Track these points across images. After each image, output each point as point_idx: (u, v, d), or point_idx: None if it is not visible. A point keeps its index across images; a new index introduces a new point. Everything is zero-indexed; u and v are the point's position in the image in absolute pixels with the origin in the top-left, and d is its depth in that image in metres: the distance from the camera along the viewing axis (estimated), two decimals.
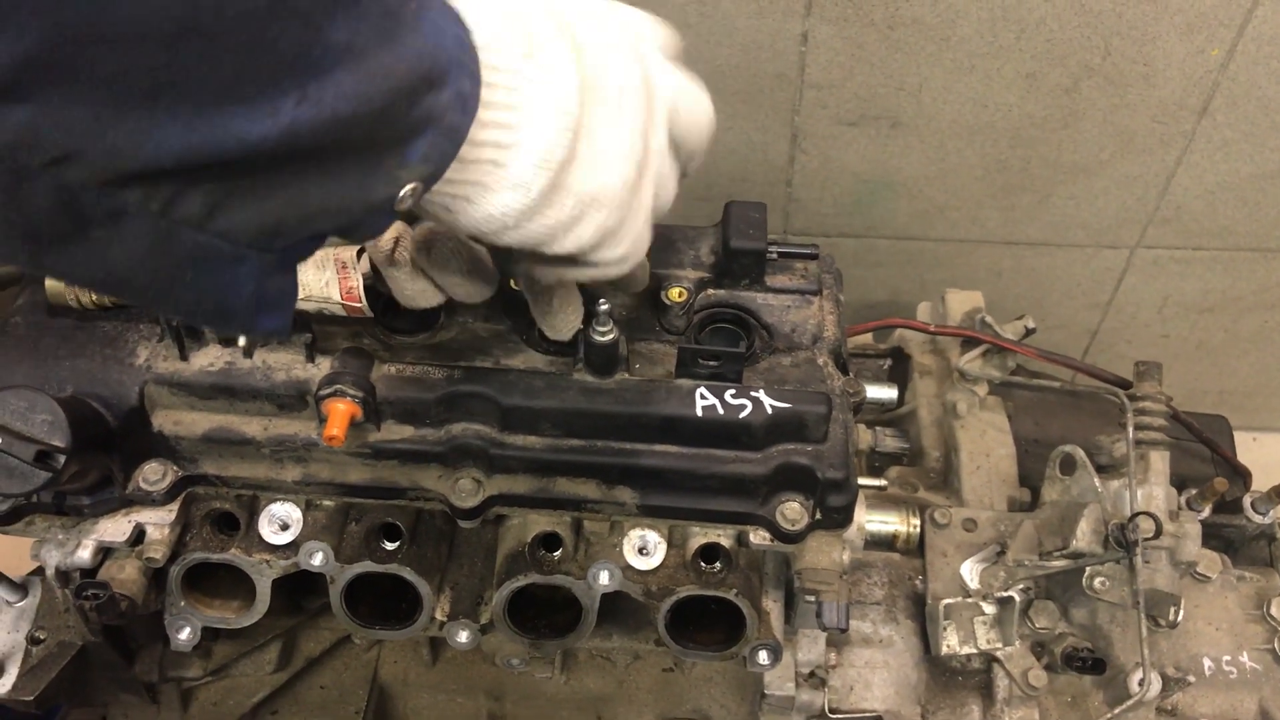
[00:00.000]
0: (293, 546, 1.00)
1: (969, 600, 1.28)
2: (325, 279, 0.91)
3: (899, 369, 1.61)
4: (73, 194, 0.53)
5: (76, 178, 0.52)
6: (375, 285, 0.91)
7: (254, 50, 0.52)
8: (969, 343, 1.50)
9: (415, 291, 0.88)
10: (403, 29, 0.58)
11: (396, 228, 0.84)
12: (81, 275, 0.59)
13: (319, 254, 0.87)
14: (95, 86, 0.49)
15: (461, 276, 0.87)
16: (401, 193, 0.63)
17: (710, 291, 1.07)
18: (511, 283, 0.95)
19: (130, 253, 0.57)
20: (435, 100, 0.60)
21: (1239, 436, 1.62)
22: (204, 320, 0.70)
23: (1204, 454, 1.56)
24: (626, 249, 0.76)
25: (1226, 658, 1.35)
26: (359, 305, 0.92)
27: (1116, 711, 1.25)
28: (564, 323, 0.92)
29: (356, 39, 0.55)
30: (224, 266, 0.60)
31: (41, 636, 1.10)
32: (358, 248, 0.90)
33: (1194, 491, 1.40)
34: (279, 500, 1.01)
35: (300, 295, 0.85)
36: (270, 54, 0.52)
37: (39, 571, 1.12)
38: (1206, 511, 1.39)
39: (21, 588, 1.12)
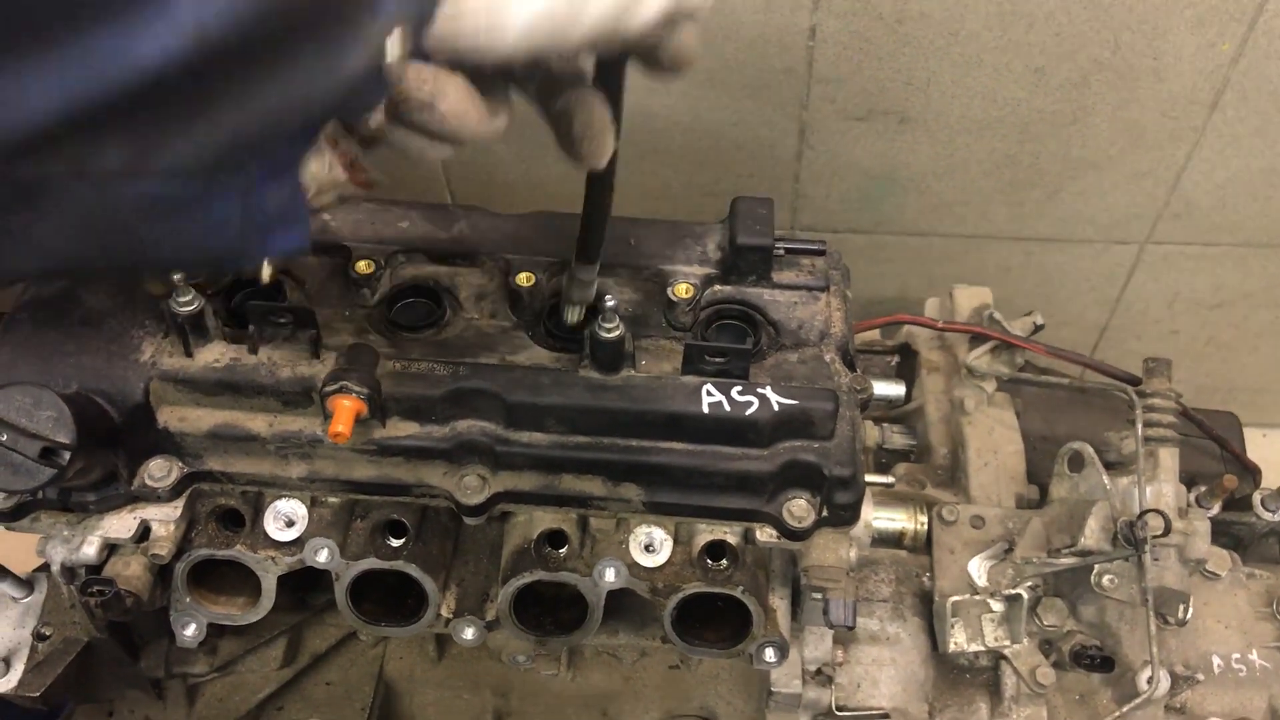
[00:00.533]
0: (298, 543, 1.00)
1: (977, 598, 1.27)
2: (327, 162, 0.71)
3: (906, 365, 1.61)
4: None
5: None
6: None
7: None
8: (977, 339, 1.49)
9: (423, 145, 0.71)
10: None
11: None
12: (29, 264, 0.52)
13: None
14: None
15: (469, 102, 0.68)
16: (388, 45, 0.53)
17: (717, 288, 1.07)
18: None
19: (63, 230, 0.49)
20: None
21: (1249, 433, 1.61)
22: (197, 269, 0.60)
23: (1213, 451, 1.55)
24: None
25: (1236, 655, 1.34)
26: (367, 177, 0.75)
27: (1125, 709, 1.25)
28: (601, 143, 0.75)
29: None
30: (186, 207, 0.52)
31: (47, 633, 1.10)
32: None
33: (1203, 488, 1.39)
34: (284, 497, 1.01)
35: (311, 193, 0.69)
36: None
37: (45, 567, 1.12)
38: (1216, 509, 1.38)
39: (27, 584, 1.12)
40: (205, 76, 0.46)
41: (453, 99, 0.64)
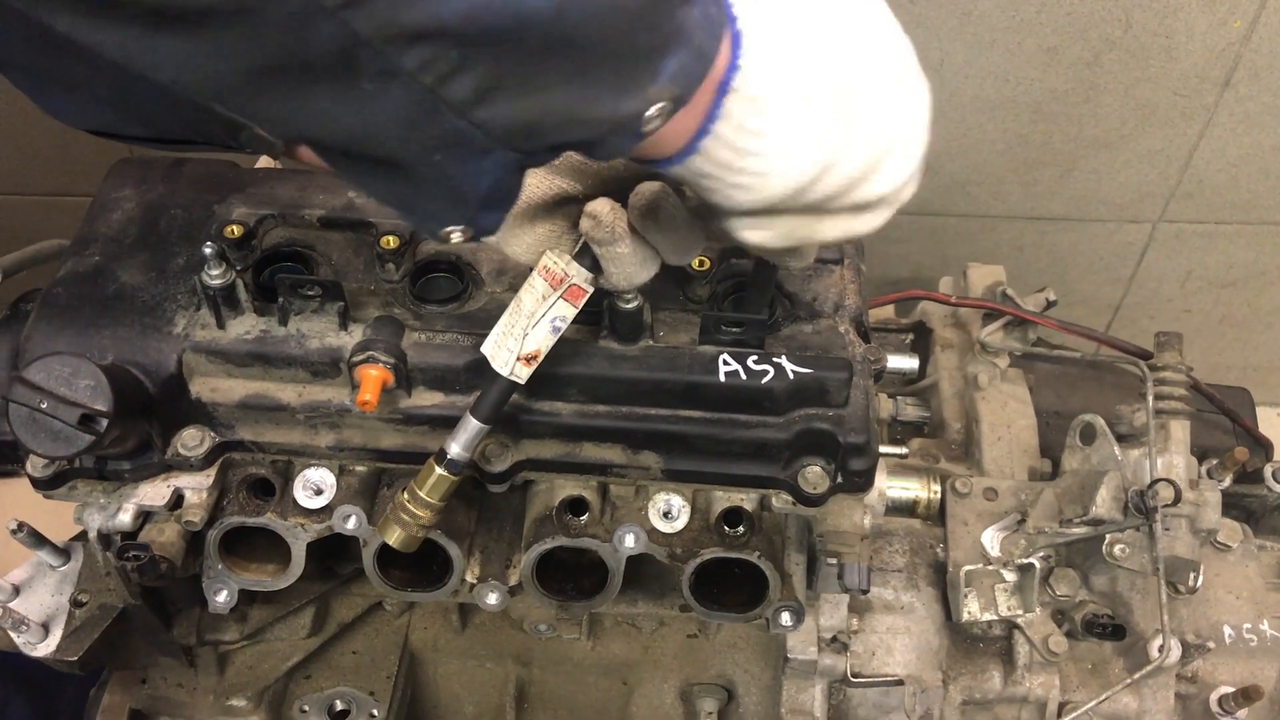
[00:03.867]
0: (327, 510, 1.03)
1: (990, 568, 1.29)
2: (551, 299, 0.86)
3: (921, 343, 1.63)
4: (354, 44, 0.53)
5: (363, 27, 0.53)
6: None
7: None
8: (990, 315, 1.51)
9: (638, 263, 0.84)
10: None
11: (607, 202, 0.81)
12: (335, 121, 0.59)
13: (539, 284, 0.85)
14: None
15: (686, 233, 0.83)
16: (650, 111, 0.62)
17: (733, 260, 1.09)
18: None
19: (391, 115, 0.58)
20: (687, 14, 0.61)
21: (1262, 412, 1.62)
22: (428, 202, 0.68)
23: (1225, 425, 1.56)
24: (902, 175, 0.75)
25: (1247, 625, 1.36)
26: (585, 295, 0.87)
27: (1136, 677, 1.26)
28: (809, 251, 0.88)
29: None
30: (472, 156, 0.61)
31: (84, 599, 1.13)
32: (566, 260, 0.85)
33: (1215, 461, 1.41)
34: (313, 465, 1.04)
35: (529, 322, 0.86)
36: None
37: (81, 537, 1.15)
38: (1227, 481, 1.40)
39: (65, 552, 1.15)
40: (548, 49, 0.56)
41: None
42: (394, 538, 0.94)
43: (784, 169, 0.69)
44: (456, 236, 0.71)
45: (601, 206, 0.81)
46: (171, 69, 0.56)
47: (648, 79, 0.62)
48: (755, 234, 0.78)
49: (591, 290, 0.86)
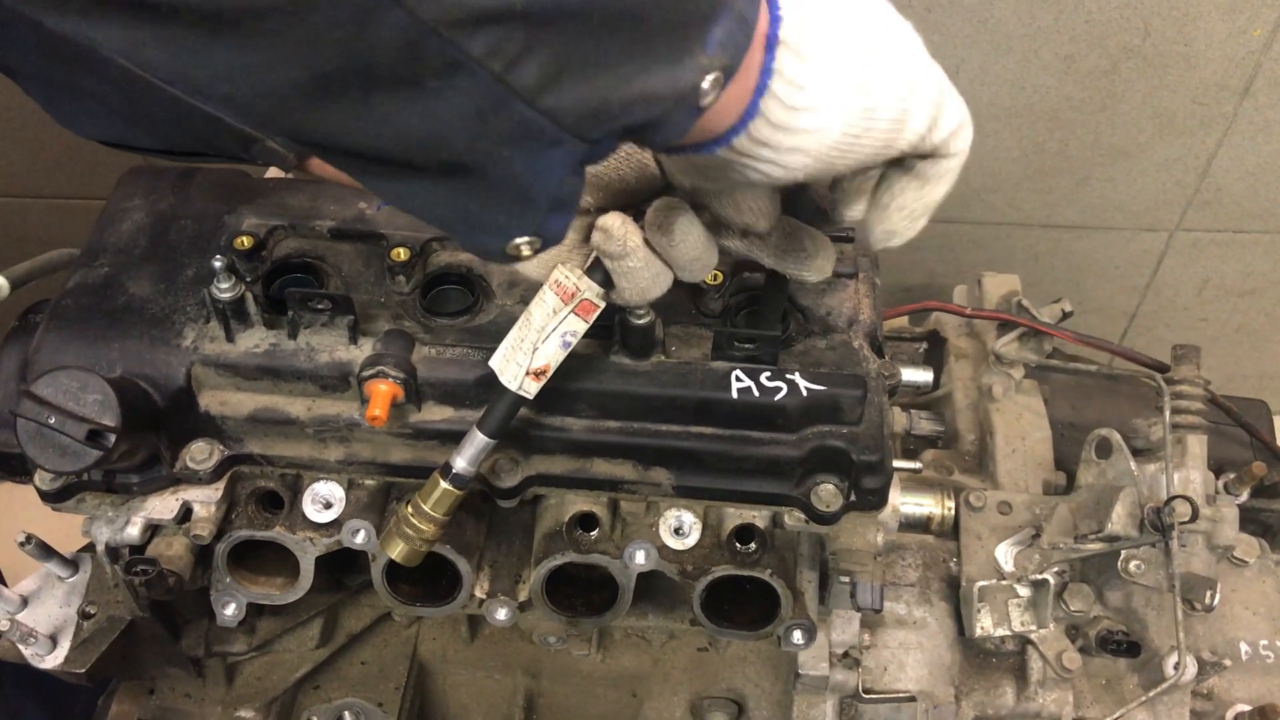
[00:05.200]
0: (335, 525, 1.02)
1: (1003, 583, 1.28)
2: (562, 314, 0.86)
3: (935, 352, 1.61)
4: (420, 35, 0.52)
5: (430, 13, 0.52)
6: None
7: None
8: (1005, 326, 1.49)
9: (651, 278, 0.84)
10: None
11: (618, 216, 0.81)
12: (400, 128, 0.58)
13: (550, 298, 0.85)
14: None
15: (700, 249, 0.83)
16: (704, 83, 0.62)
17: (746, 274, 1.08)
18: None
19: (459, 111, 0.57)
20: None
21: (1279, 423, 1.61)
22: (495, 209, 0.66)
23: (1242, 438, 1.55)
24: (960, 108, 0.76)
25: (1264, 642, 1.34)
26: (596, 310, 0.87)
27: (1151, 695, 1.25)
28: (826, 262, 0.89)
29: None
30: (542, 149, 0.60)
31: (92, 611, 1.12)
32: (577, 274, 0.84)
33: (1232, 475, 1.39)
34: (322, 479, 1.03)
35: (540, 334, 0.85)
36: None
37: (90, 548, 1.14)
38: (1244, 496, 1.39)
39: (73, 563, 1.15)
40: (609, 26, 0.56)
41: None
42: (397, 552, 0.94)
43: (832, 120, 0.69)
44: (525, 250, 0.69)
45: (613, 220, 0.80)
46: (226, 83, 0.54)
47: (699, 48, 0.61)
48: (876, 231, 0.80)
49: (603, 305, 0.85)
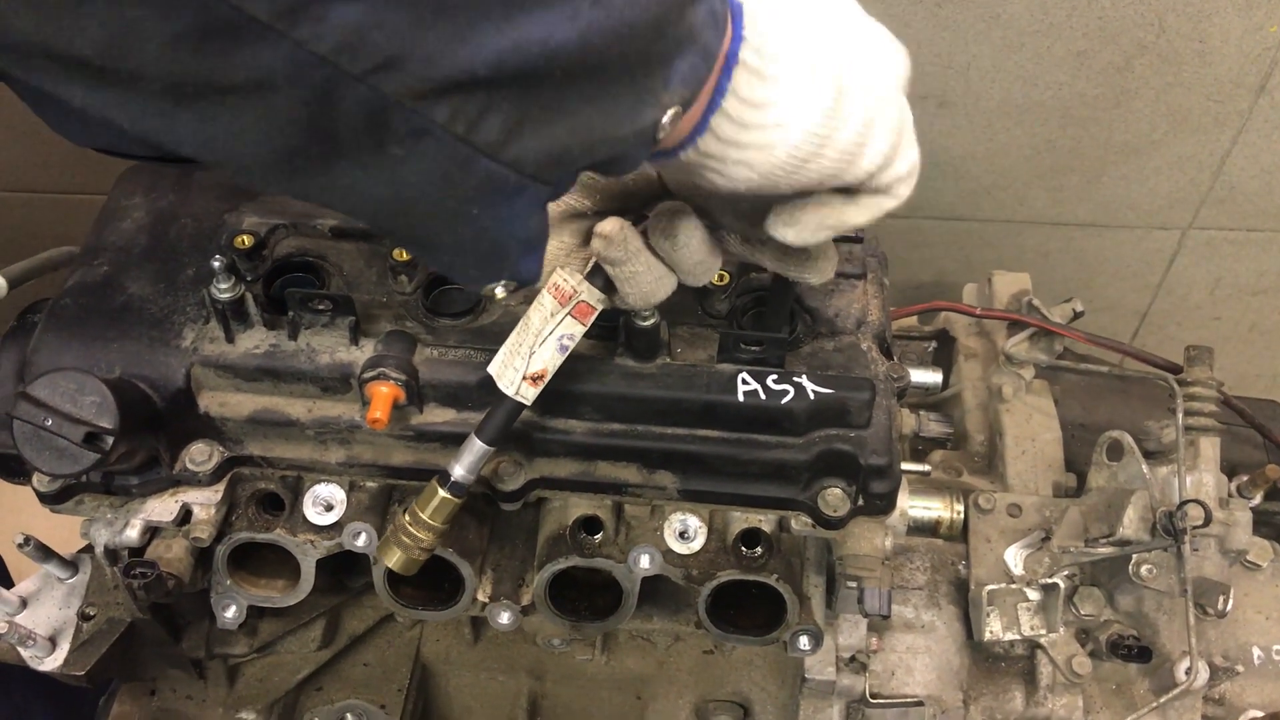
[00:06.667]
0: (336, 527, 1.01)
1: (1013, 586, 1.27)
2: (559, 316, 0.84)
3: (944, 352, 1.60)
4: (384, 107, 0.52)
5: (393, 88, 0.52)
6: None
7: None
8: (1015, 326, 1.48)
9: (654, 282, 0.83)
10: None
11: (616, 221, 0.80)
12: (365, 194, 0.59)
13: (548, 301, 0.83)
14: None
15: (703, 253, 0.82)
16: (664, 118, 0.62)
17: (753, 275, 1.06)
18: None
19: (424, 175, 0.57)
20: (694, 14, 0.60)
21: None
22: (468, 264, 0.68)
23: (1255, 440, 1.53)
24: (913, 156, 0.76)
25: (1276, 647, 1.33)
26: (593, 312, 0.86)
27: (1162, 700, 1.24)
28: (827, 265, 0.88)
29: None
30: (506, 199, 0.61)
31: (92, 613, 1.11)
32: (576, 278, 0.83)
33: (1245, 478, 1.37)
34: (323, 481, 1.02)
35: (539, 336, 0.84)
36: None
37: (89, 549, 1.13)
38: (1257, 499, 1.37)
39: (72, 565, 1.14)
40: (573, 77, 0.56)
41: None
42: (394, 560, 0.92)
43: (785, 140, 0.68)
44: (500, 292, 0.71)
45: (611, 226, 0.79)
46: (192, 145, 0.54)
47: (660, 86, 0.61)
48: (787, 231, 0.77)
49: (600, 307, 0.84)
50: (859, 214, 0.76)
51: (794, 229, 0.77)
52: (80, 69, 0.49)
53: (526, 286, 0.75)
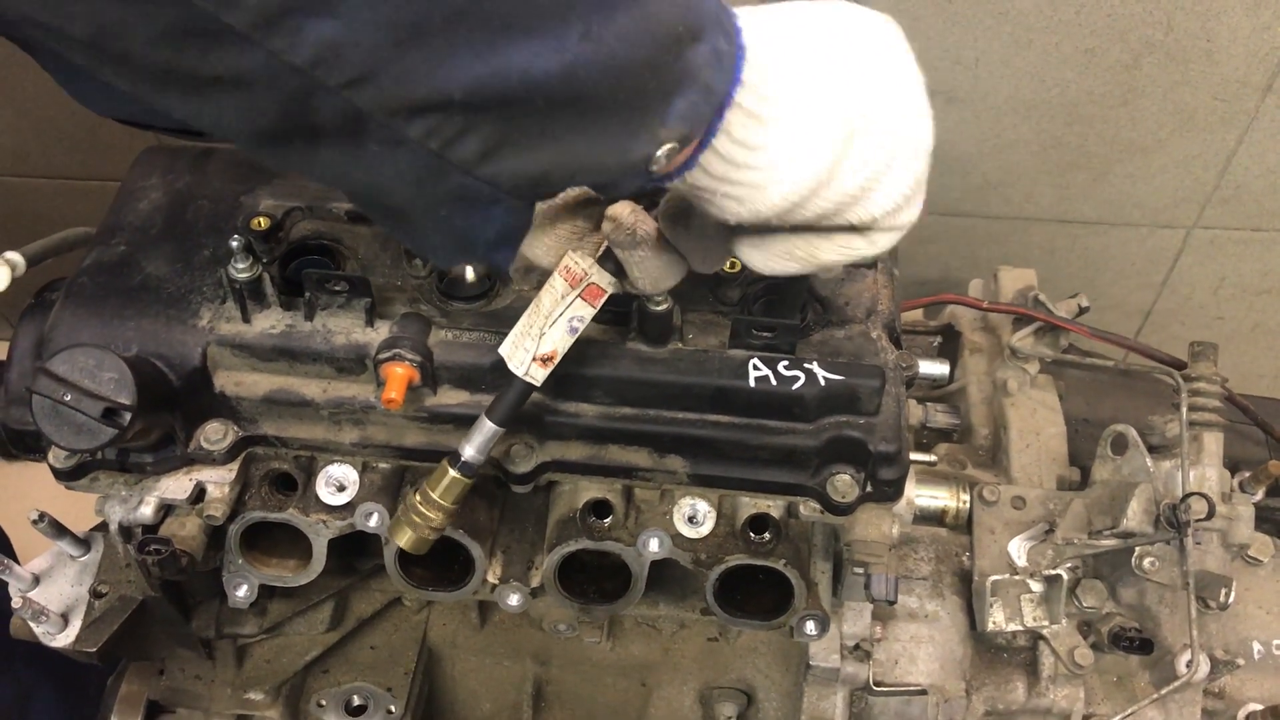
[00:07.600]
0: (349, 507, 1.02)
1: (1016, 578, 1.27)
2: (569, 298, 0.85)
3: (950, 346, 1.60)
4: (359, 116, 0.54)
5: (367, 103, 0.53)
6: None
7: None
8: (1021, 320, 1.48)
9: (664, 268, 0.83)
10: None
11: (627, 205, 0.80)
12: (343, 176, 0.61)
13: (558, 283, 0.84)
14: (400, 8, 0.50)
15: (714, 241, 0.82)
16: (659, 153, 0.62)
17: None
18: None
19: (398, 176, 0.58)
20: (695, 54, 0.60)
21: None
22: (439, 251, 0.70)
23: (1258, 437, 1.53)
24: (914, 213, 0.74)
25: (1276, 641, 1.34)
26: (603, 294, 0.86)
27: (1163, 693, 1.25)
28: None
29: None
30: (479, 208, 0.62)
31: (104, 590, 1.12)
32: (587, 261, 0.83)
33: (1247, 474, 1.38)
34: (336, 462, 1.03)
35: (547, 320, 0.84)
36: None
37: (102, 527, 1.14)
38: (1260, 494, 1.37)
39: (85, 543, 1.15)
40: (557, 106, 0.56)
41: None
42: (404, 539, 0.93)
43: (779, 182, 0.68)
44: (470, 273, 0.74)
45: (622, 209, 0.80)
46: (182, 116, 0.56)
47: (656, 122, 0.61)
48: (753, 255, 0.78)
49: (610, 290, 0.84)
50: (830, 252, 0.76)
51: (760, 254, 0.77)
52: (79, 45, 0.52)
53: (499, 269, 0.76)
